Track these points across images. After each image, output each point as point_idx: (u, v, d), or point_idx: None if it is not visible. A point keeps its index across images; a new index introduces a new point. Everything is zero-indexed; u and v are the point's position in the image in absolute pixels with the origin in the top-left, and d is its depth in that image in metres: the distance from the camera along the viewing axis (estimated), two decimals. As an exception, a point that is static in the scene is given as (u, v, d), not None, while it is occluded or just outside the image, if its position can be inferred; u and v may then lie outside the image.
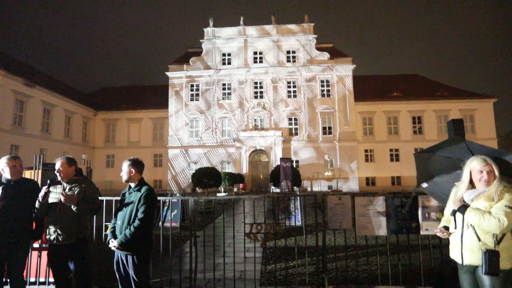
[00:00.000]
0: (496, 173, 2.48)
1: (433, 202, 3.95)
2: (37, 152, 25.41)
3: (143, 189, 3.34)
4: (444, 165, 2.99)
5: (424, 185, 3.14)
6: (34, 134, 25.98)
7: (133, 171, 3.41)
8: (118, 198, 3.73)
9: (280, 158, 13.78)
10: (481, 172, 2.51)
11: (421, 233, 4.01)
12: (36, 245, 4.40)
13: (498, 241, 2.40)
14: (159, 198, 4.95)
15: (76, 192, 3.38)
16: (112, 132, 34.69)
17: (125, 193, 3.50)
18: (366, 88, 34.44)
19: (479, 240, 2.44)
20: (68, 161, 3.49)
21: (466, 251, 2.53)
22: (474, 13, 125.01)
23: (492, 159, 2.54)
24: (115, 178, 32.14)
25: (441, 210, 3.91)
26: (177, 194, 8.72)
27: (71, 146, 30.57)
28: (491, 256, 2.34)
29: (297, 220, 8.12)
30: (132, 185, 3.45)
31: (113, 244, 3.27)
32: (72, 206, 3.29)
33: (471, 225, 2.50)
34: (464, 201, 2.56)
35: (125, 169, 3.41)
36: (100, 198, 4.02)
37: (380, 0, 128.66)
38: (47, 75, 33.65)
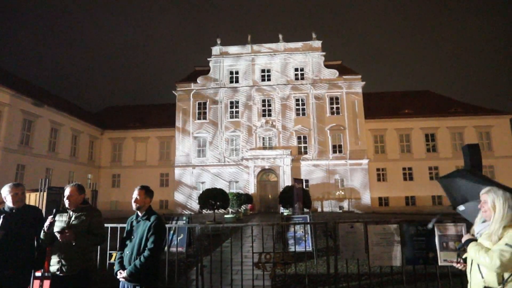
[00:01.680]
0: (498, 208, 2.30)
1: (451, 231, 3.85)
2: (43, 172, 25.74)
3: (152, 218, 3.33)
4: (475, 190, 2.91)
5: (461, 208, 3.05)
6: (41, 153, 26.40)
7: (148, 199, 3.44)
8: (123, 225, 3.72)
9: (294, 179, 13.68)
10: (482, 201, 2.43)
11: (439, 263, 3.89)
12: (38, 273, 4.38)
13: (504, 281, 2.20)
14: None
15: (81, 221, 3.39)
16: (119, 151, 35.06)
17: (133, 221, 3.49)
18: (377, 105, 34.40)
19: (482, 277, 2.31)
20: (78, 188, 3.54)
21: (472, 287, 2.43)
22: (488, 27, 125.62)
23: (500, 192, 2.37)
24: (121, 198, 32.26)
25: (459, 239, 3.79)
26: (184, 218, 8.66)
27: (77, 166, 30.94)
28: None
29: (307, 245, 7.96)
30: (141, 213, 3.44)
31: (121, 275, 3.24)
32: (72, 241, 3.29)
33: None
34: (473, 234, 2.49)
35: (140, 197, 3.40)
36: (105, 225, 4.01)
37: (389, 16, 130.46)
38: (55, 95, 34.47)
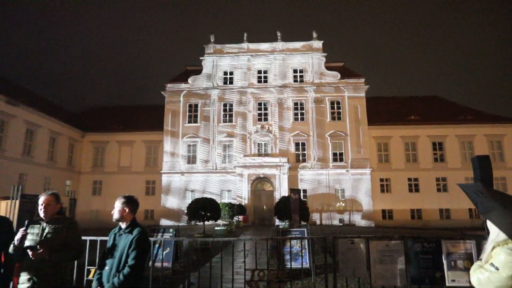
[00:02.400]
0: (492, 228, 2.28)
1: (460, 249, 3.84)
2: (15, 177, 25.40)
3: (135, 231, 3.28)
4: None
5: None
6: (14, 157, 26.04)
7: (127, 210, 3.36)
8: (103, 238, 3.66)
9: (290, 189, 13.67)
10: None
11: (447, 284, 3.87)
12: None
13: None
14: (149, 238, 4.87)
15: (56, 234, 3.32)
16: (101, 156, 34.76)
17: (115, 234, 3.44)
18: (381, 111, 34.64)
19: None
20: (56, 197, 3.48)
21: None
22: (499, 31, 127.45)
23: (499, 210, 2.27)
24: (102, 207, 31.88)
25: (468, 257, 3.79)
26: (170, 230, 8.59)
27: (54, 171, 30.60)
28: None
29: (304, 261, 7.93)
30: (123, 225, 3.39)
31: None
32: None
33: None
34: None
35: (118, 207, 3.36)
36: (83, 238, 3.95)
37: (395, 16, 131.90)
38: (31, 93, 34.20)
